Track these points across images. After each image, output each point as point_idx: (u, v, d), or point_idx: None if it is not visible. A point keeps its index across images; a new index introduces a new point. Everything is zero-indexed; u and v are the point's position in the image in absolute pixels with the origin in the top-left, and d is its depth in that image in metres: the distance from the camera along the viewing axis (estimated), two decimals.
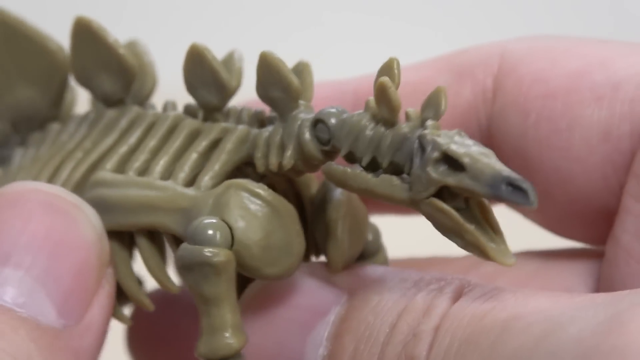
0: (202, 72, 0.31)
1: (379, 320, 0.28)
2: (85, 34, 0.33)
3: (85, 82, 0.34)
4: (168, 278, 0.32)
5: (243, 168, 0.32)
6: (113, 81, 0.33)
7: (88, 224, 0.30)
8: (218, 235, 0.29)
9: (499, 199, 0.26)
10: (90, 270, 0.30)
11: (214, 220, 0.29)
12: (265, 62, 0.30)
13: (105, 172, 0.32)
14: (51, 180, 0.33)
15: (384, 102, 0.28)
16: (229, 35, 1.05)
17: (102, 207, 0.31)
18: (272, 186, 0.31)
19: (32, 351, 0.28)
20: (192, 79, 0.32)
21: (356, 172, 0.29)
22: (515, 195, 0.26)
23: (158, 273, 0.32)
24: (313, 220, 0.32)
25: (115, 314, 0.32)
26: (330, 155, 0.30)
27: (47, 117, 0.36)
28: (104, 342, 0.30)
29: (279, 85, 0.30)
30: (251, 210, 0.29)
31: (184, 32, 1.01)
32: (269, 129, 0.31)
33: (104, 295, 0.30)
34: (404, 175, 0.28)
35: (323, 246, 0.32)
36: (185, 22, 1.05)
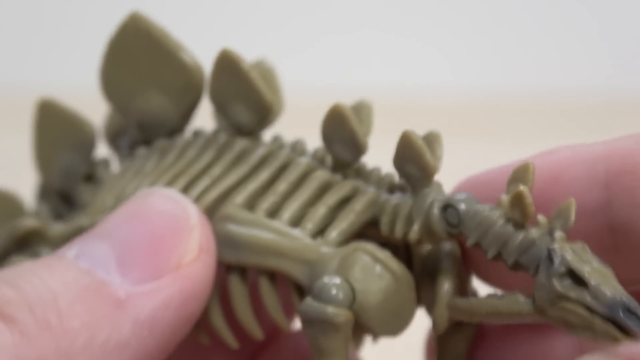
0: (341, 130, 0.33)
1: None
2: (228, 64, 0.35)
3: (220, 107, 0.36)
4: (283, 316, 0.34)
5: (367, 227, 0.34)
6: (249, 114, 0.35)
7: (183, 214, 0.33)
8: (341, 296, 0.32)
9: (614, 321, 0.29)
10: (169, 250, 0.32)
11: (339, 281, 0.32)
12: (407, 141, 0.32)
13: (236, 208, 0.34)
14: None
15: (519, 208, 0.31)
16: (236, 35, 1.05)
17: (229, 242, 0.34)
18: (390, 244, 0.34)
19: (73, 291, 0.30)
20: (330, 134, 0.34)
21: (481, 299, 0.32)
22: (631, 320, 0.29)
23: (274, 311, 0.34)
24: (421, 279, 0.34)
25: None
26: (453, 237, 0.33)
27: (176, 128, 0.38)
28: (172, 324, 0.31)
29: (417, 164, 0.32)
30: (374, 275, 0.32)
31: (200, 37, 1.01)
32: (397, 196, 0.34)
33: (186, 275, 0.32)
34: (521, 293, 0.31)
35: (428, 307, 0.34)
36: (201, 26, 1.05)
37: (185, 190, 0.35)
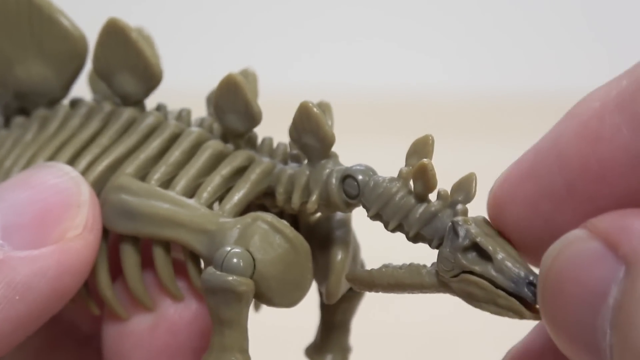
0: (235, 100, 0.33)
1: None
2: (117, 33, 0.34)
3: (105, 76, 0.36)
4: (177, 287, 0.34)
5: (262, 197, 0.34)
6: (136, 83, 0.35)
7: (75, 190, 0.33)
8: (243, 265, 0.32)
9: (519, 296, 0.29)
10: (55, 221, 0.32)
11: (240, 250, 0.32)
12: (305, 111, 0.32)
13: (128, 178, 0.34)
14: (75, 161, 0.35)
15: (422, 180, 0.31)
16: (223, 32, 1.05)
17: (123, 212, 0.34)
18: (281, 214, 0.34)
19: None
20: (222, 104, 0.34)
21: (382, 270, 0.32)
22: (534, 294, 0.29)
23: (169, 281, 0.34)
24: (311, 249, 0.34)
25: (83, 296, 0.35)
26: (351, 207, 0.33)
27: (57, 97, 0.37)
28: (45, 294, 0.32)
29: (315, 134, 0.33)
30: (274, 245, 0.32)
31: (192, 31, 1.01)
32: (292, 166, 0.34)
33: (67, 249, 0.32)
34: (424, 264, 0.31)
35: (321, 277, 0.34)
36: (190, 21, 1.05)
37: (73, 160, 0.35)
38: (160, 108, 0.36)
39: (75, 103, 0.37)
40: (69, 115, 0.37)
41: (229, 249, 0.32)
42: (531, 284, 0.29)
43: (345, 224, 0.35)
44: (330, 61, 1.05)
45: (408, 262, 0.32)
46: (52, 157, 0.36)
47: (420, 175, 0.31)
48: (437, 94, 1.01)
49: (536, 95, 1.02)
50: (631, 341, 0.26)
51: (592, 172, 0.29)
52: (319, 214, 0.35)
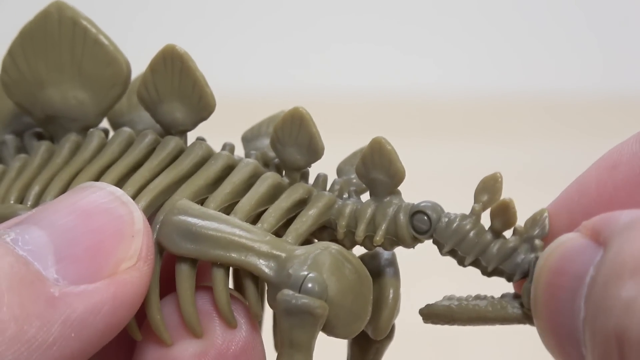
0: (299, 133, 0.34)
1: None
2: (175, 61, 0.34)
3: (149, 104, 0.35)
4: (232, 313, 0.34)
5: (316, 231, 0.35)
6: (187, 113, 0.35)
7: (129, 218, 0.32)
8: (319, 290, 0.32)
9: None
10: (110, 253, 0.31)
11: (317, 275, 0.32)
12: (378, 146, 0.33)
13: (189, 201, 0.34)
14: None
15: (502, 217, 0.32)
16: (225, 34, 1.05)
17: (187, 234, 0.33)
18: None
19: (7, 279, 0.29)
20: (284, 137, 0.34)
21: (462, 304, 0.33)
22: None
23: (226, 307, 0.34)
24: None
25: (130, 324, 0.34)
26: (416, 242, 0.34)
27: (90, 124, 0.36)
28: (100, 329, 0.31)
29: (387, 170, 0.34)
30: (344, 274, 0.33)
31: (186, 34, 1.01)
32: (353, 201, 0.35)
33: (122, 282, 0.31)
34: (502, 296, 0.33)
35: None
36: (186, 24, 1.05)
37: (118, 185, 0.34)
38: (200, 139, 0.36)
39: (115, 132, 0.36)
40: (107, 142, 0.36)
41: (306, 273, 0.32)
42: None
43: (394, 263, 0.36)
44: (329, 63, 1.05)
45: (472, 294, 0.33)
46: (93, 180, 0.35)
47: (501, 212, 0.32)
48: (435, 95, 1.01)
49: (533, 96, 1.02)
50: (600, 310, 0.27)
51: (607, 195, 0.31)
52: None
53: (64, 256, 0.30)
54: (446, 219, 0.33)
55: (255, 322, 0.34)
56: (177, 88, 0.35)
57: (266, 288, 0.34)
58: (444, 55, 1.07)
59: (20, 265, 0.30)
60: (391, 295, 0.35)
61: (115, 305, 0.31)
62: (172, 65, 0.34)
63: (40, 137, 0.37)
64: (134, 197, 0.34)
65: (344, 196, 0.35)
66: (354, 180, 0.36)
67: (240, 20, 1.06)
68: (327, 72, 1.03)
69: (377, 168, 0.34)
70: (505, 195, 0.33)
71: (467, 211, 0.33)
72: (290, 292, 0.32)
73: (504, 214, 0.32)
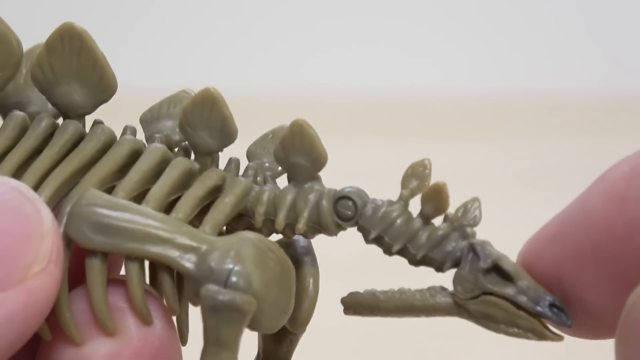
0: (210, 115, 0.32)
1: None
2: (73, 40, 0.32)
3: (45, 85, 0.33)
4: (147, 309, 0.32)
5: (235, 218, 0.33)
6: (86, 95, 0.33)
7: (36, 217, 0.29)
8: (246, 284, 0.30)
9: (540, 315, 0.30)
10: (18, 256, 0.29)
11: (242, 269, 0.30)
12: (299, 130, 0.32)
13: (98, 191, 0.32)
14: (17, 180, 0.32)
15: (434, 202, 0.31)
16: (226, 35, 1.05)
17: (98, 227, 0.31)
18: None
19: None
20: (194, 119, 0.32)
21: (389, 292, 0.32)
22: (557, 315, 0.30)
23: (141, 303, 0.32)
24: None
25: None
26: (340, 229, 0.33)
27: None
28: (11, 340, 0.29)
29: (308, 154, 0.32)
30: (268, 266, 0.31)
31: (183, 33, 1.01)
32: (270, 187, 0.33)
33: (33, 289, 0.29)
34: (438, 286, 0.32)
35: None
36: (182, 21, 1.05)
37: (17, 173, 0.32)
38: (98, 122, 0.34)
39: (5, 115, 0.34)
40: (5, 127, 0.34)
41: (231, 266, 0.30)
42: (553, 305, 0.30)
43: (311, 251, 0.34)
44: (330, 63, 1.05)
45: (393, 288, 0.32)
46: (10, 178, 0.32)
47: (433, 197, 0.31)
48: (435, 96, 1.01)
49: (533, 96, 1.02)
50: None
51: (617, 232, 0.30)
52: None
53: None
54: (372, 205, 0.32)
55: (171, 318, 0.33)
56: (75, 68, 0.32)
57: (185, 282, 0.32)
58: (444, 56, 1.07)
59: None
60: (311, 286, 0.33)
61: (27, 314, 0.29)
62: (71, 44, 0.32)
63: None
64: (35, 187, 0.32)
65: (258, 181, 0.34)
66: (267, 165, 0.34)
67: (241, 22, 1.06)
68: (328, 72, 1.03)
69: (297, 152, 0.32)
70: (478, 193, 0.32)
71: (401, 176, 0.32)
72: (216, 287, 0.30)
73: (436, 199, 0.31)
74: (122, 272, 0.32)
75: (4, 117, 0.34)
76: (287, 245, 0.34)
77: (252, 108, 0.35)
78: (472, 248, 0.31)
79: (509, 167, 0.77)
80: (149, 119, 0.35)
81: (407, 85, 1.02)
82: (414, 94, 1.01)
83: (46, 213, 0.30)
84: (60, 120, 0.34)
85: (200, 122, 0.32)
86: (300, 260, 0.34)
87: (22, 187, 0.30)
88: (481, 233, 0.32)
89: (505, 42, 1.08)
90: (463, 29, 1.09)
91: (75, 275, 0.32)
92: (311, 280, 0.33)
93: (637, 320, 0.27)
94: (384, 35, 1.07)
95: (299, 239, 0.34)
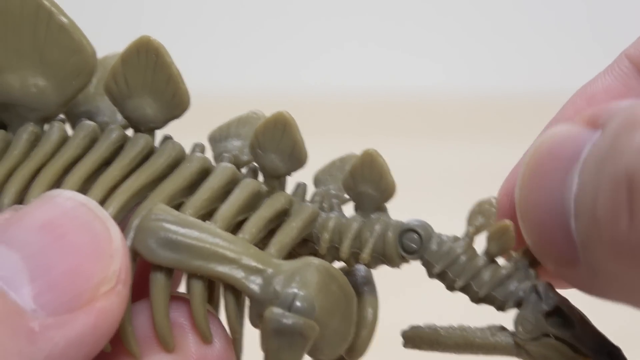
0: (282, 139, 0.32)
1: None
2: (149, 53, 0.32)
3: (118, 97, 0.33)
4: (209, 327, 0.32)
5: (300, 244, 0.33)
6: (158, 110, 0.33)
7: (106, 235, 0.29)
8: (309, 309, 0.30)
9: None
10: (88, 276, 0.28)
11: (306, 294, 0.30)
12: (370, 160, 0.32)
13: (167, 207, 0.32)
14: (84, 191, 0.32)
15: (499, 242, 0.31)
16: (226, 35, 1.05)
17: (166, 242, 0.31)
18: None
19: None
20: (266, 142, 0.32)
21: (450, 328, 0.32)
22: None
23: (203, 321, 0.32)
24: None
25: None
26: (403, 261, 0.33)
27: (50, 115, 0.34)
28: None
29: (377, 184, 0.32)
30: (331, 292, 0.31)
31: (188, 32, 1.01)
32: (336, 215, 0.33)
33: (102, 310, 0.29)
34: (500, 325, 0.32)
35: None
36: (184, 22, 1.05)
37: (84, 186, 0.32)
38: (170, 138, 0.34)
39: (77, 125, 0.34)
40: (70, 136, 0.33)
41: (295, 290, 0.30)
42: (612, 354, 0.30)
43: (371, 280, 0.34)
44: (331, 64, 1.05)
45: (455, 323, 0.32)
46: (56, 182, 0.32)
47: (499, 236, 0.31)
48: (437, 95, 1.01)
49: (536, 96, 1.02)
50: (607, 163, 0.27)
51: None
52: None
53: (40, 282, 0.28)
54: (437, 240, 0.32)
55: (230, 339, 0.32)
56: (149, 82, 0.32)
57: (248, 304, 0.32)
58: (446, 56, 1.07)
59: None
60: (371, 316, 0.33)
61: (96, 335, 0.28)
62: (147, 58, 0.32)
63: None
64: (104, 198, 0.32)
65: (324, 208, 0.33)
66: (334, 192, 0.34)
67: (242, 22, 1.06)
68: (329, 72, 1.03)
69: (366, 181, 0.32)
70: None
71: (467, 212, 0.33)
72: (280, 310, 0.30)
73: (502, 238, 0.31)
74: (182, 289, 0.33)
75: (72, 125, 0.34)
76: (347, 273, 0.34)
77: (253, 108, 0.34)
78: (535, 289, 0.31)
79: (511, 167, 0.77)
80: (218, 138, 0.35)
81: (410, 86, 1.02)
82: (416, 94, 1.01)
83: (115, 231, 0.29)
84: (129, 133, 0.34)
85: (271, 145, 0.32)
86: (360, 289, 0.34)
87: (91, 203, 0.30)
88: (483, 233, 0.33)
89: (509, 42, 1.08)
90: (466, 29, 1.09)
91: (137, 288, 0.32)
92: (371, 310, 0.33)
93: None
94: (386, 35, 1.07)
95: (360, 268, 0.34)
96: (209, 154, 0.34)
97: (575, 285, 0.29)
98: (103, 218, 0.29)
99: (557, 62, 1.08)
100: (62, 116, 0.35)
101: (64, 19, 0.33)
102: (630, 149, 0.26)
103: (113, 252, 0.29)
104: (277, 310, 0.30)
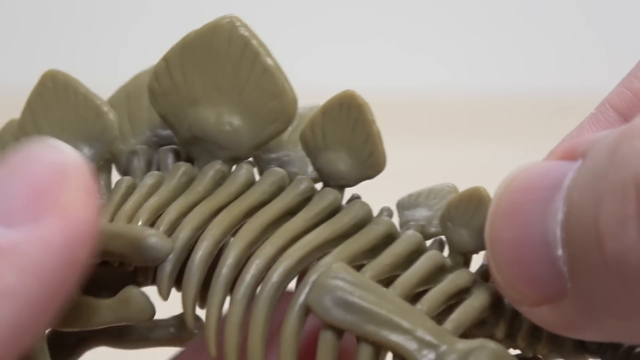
0: (474, 215, 0.31)
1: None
2: (351, 109, 0.32)
3: (312, 148, 0.32)
4: None
5: (476, 324, 0.32)
6: (352, 167, 0.32)
7: (74, 156, 0.29)
8: None
9: None
10: (52, 184, 0.28)
11: None
12: (477, 194, 0.31)
13: (346, 266, 0.31)
14: (264, 238, 0.32)
15: None
16: None
17: (341, 302, 0.30)
18: None
19: None
20: (457, 216, 0.32)
21: None
22: None
23: None
24: None
25: None
26: (581, 359, 0.32)
27: (240, 156, 0.33)
28: (58, 268, 0.28)
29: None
30: None
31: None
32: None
33: (67, 213, 0.28)
34: None
35: None
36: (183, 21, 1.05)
37: (264, 233, 0.32)
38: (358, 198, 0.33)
39: (266, 171, 0.33)
40: (257, 180, 0.33)
41: None
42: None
43: None
44: (331, 62, 1.05)
45: None
46: (236, 224, 0.32)
47: None
48: (437, 95, 1.01)
49: (536, 95, 1.02)
50: (594, 195, 0.27)
51: None
52: None
53: (3, 207, 0.28)
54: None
55: None
56: (347, 138, 0.32)
57: None
58: (448, 55, 1.07)
59: None
60: None
61: (66, 239, 0.28)
62: (348, 113, 0.32)
63: (177, 155, 0.34)
64: (284, 248, 0.31)
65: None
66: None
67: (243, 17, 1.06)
68: (330, 71, 1.03)
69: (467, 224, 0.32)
70: None
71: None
72: None
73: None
74: None
75: (260, 170, 0.34)
76: None
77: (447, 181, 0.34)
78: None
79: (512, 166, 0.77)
80: (406, 205, 0.34)
81: (411, 85, 1.02)
82: (418, 93, 1.01)
83: (76, 158, 0.29)
84: (318, 187, 0.33)
85: (463, 220, 0.32)
86: None
87: (57, 142, 0.29)
88: None
89: (512, 41, 1.08)
90: (468, 28, 1.09)
91: (305, 351, 0.32)
92: None
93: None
94: (388, 33, 1.07)
95: None
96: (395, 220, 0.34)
97: (553, 325, 0.29)
98: (66, 151, 0.29)
99: (559, 62, 1.08)
100: (250, 159, 0.34)
101: (270, 61, 0.32)
102: (636, 155, 0.26)
103: (75, 172, 0.28)
104: None
